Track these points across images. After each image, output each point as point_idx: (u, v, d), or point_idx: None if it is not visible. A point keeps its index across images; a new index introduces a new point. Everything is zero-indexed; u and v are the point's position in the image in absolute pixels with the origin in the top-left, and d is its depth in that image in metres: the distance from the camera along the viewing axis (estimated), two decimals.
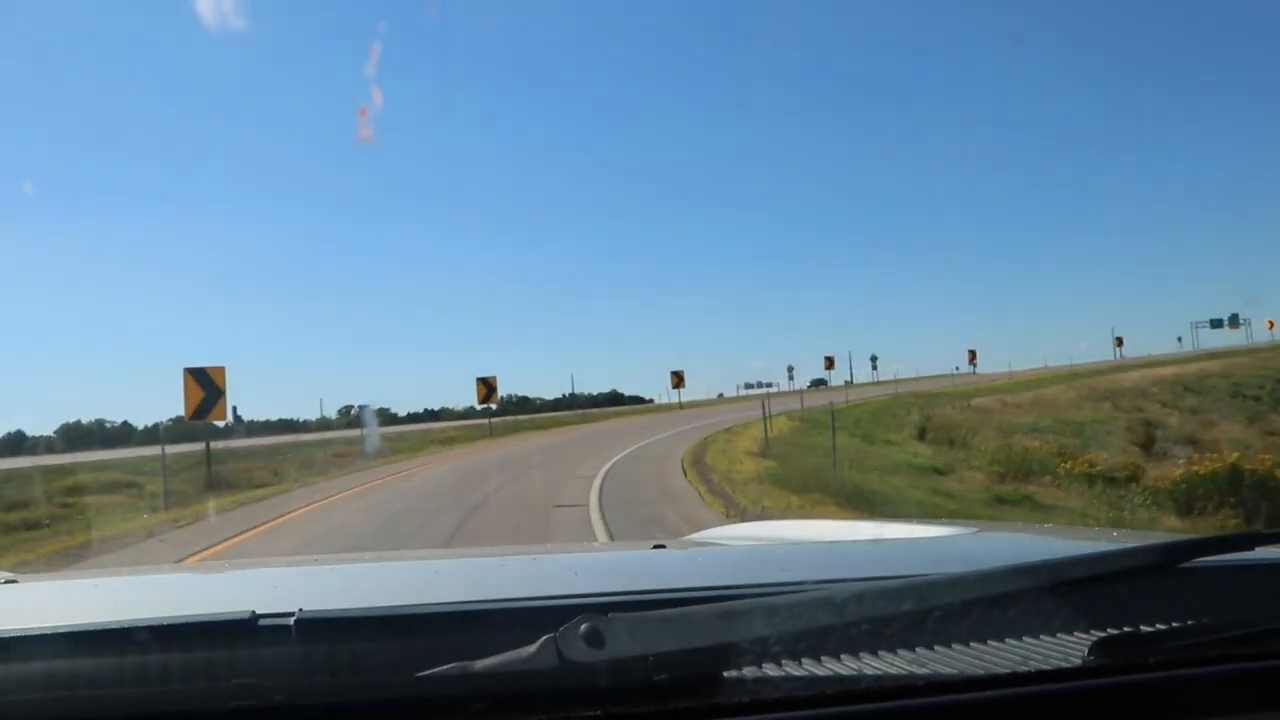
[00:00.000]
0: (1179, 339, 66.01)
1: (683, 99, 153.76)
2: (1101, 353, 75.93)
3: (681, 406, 46.97)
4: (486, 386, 36.10)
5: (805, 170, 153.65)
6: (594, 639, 0.76)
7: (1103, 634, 0.97)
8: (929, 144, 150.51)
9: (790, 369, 66.17)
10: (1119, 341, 65.45)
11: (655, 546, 1.71)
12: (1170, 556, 0.89)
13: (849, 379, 62.84)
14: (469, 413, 45.36)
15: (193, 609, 1.02)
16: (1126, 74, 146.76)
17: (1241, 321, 67.04)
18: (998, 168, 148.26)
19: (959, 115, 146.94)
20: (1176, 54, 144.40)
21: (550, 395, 77.37)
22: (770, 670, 0.88)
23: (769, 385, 66.40)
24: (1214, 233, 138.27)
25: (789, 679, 0.86)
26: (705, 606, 0.81)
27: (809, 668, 0.90)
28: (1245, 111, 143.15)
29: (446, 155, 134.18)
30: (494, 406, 36.65)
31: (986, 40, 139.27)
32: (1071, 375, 43.08)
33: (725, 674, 0.80)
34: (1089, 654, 0.85)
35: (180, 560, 9.04)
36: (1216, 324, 65.42)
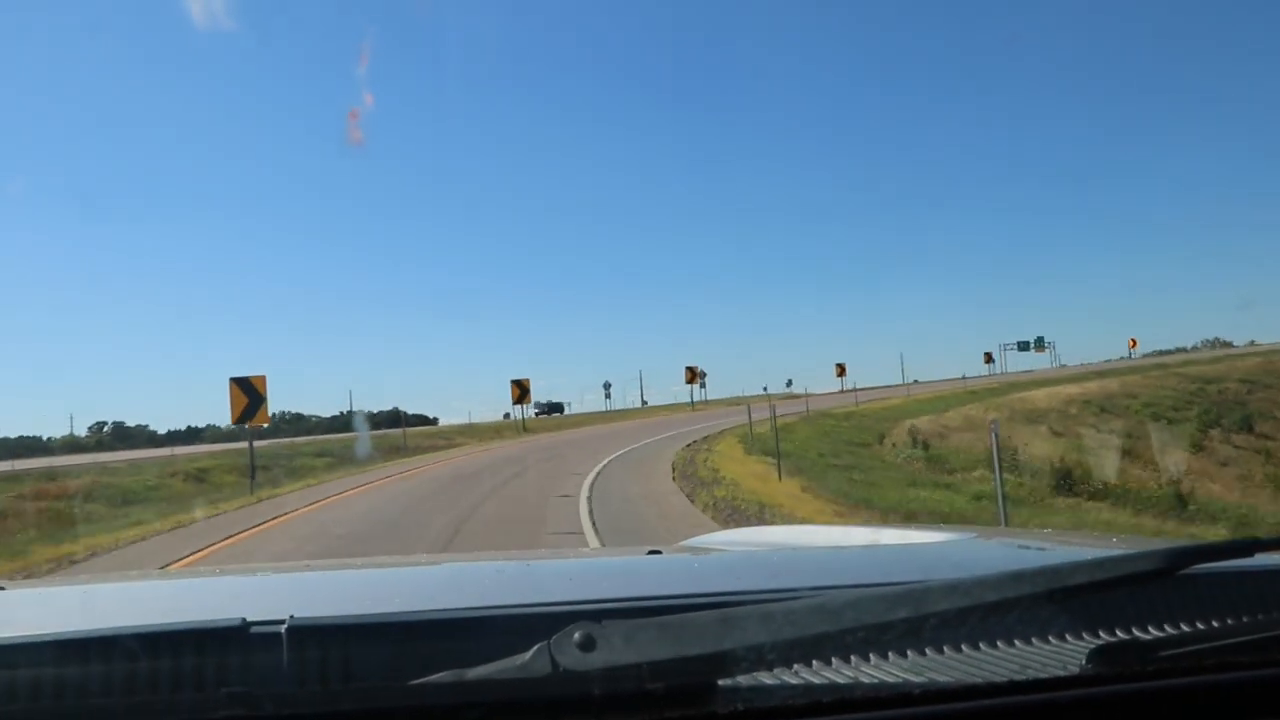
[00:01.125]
0: (989, 359, 68.46)
1: (635, 102, 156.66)
2: (939, 372, 78.01)
3: (525, 428, 41.91)
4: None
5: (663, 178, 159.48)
6: (588, 646, 0.75)
7: (1101, 641, 0.97)
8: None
9: (603, 385, 67.54)
10: (988, 358, 67.84)
11: (650, 552, 1.69)
12: (1169, 563, 0.87)
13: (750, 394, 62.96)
14: (235, 433, 36.89)
15: (183, 616, 1.00)
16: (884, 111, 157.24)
17: (1046, 344, 71.74)
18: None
19: None
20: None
21: (328, 413, 74.37)
22: (766, 678, 0.87)
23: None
24: (1017, 261, 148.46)
25: (785, 687, 0.86)
26: (700, 614, 0.80)
27: (805, 675, 0.90)
28: (1046, 150, 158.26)
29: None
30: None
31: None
32: (971, 394, 42.67)
33: (721, 682, 0.78)
34: (1087, 661, 0.84)
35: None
36: (1024, 346, 69.27)
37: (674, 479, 15.33)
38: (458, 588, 1.45)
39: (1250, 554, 0.95)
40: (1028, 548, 1.67)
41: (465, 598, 1.19)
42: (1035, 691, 0.80)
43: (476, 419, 59.60)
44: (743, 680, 0.83)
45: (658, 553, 1.70)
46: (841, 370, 60.65)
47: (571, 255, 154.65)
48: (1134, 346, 67.68)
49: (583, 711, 0.74)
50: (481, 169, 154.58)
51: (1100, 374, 49.80)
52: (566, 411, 69.59)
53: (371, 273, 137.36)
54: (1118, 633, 1.03)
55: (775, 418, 16.50)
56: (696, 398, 59.04)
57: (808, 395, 34.80)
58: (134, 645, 0.89)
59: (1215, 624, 1.04)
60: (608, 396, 67.88)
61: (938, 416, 32.15)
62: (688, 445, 22.67)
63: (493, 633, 0.95)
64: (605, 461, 19.32)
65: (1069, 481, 17.22)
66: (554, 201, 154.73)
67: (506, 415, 55.93)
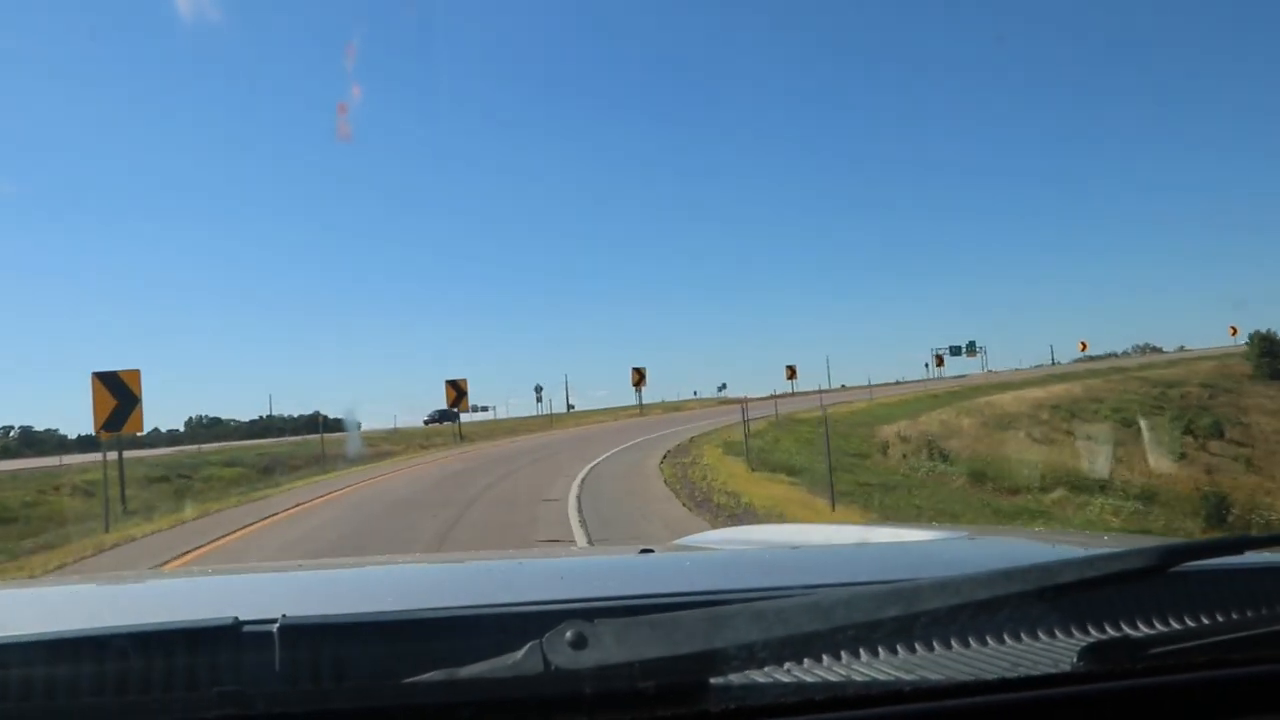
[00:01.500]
0: (926, 365, 69.19)
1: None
2: (874, 377, 78.40)
3: (461, 435, 37.10)
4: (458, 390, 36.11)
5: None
6: (580, 644, 0.75)
7: (1093, 639, 0.97)
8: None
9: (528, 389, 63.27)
10: (939, 361, 67.01)
11: (643, 551, 1.68)
12: (1160, 560, 0.87)
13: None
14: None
15: (175, 615, 1.00)
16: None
17: (978, 349, 71.88)
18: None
19: None
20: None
21: (247, 416, 73.56)
22: (758, 676, 0.87)
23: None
24: (946, 266, 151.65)
25: (776, 685, 0.86)
26: (692, 612, 0.79)
27: (797, 674, 0.90)
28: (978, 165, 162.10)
29: None
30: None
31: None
32: (934, 397, 41.37)
33: (712, 680, 0.78)
34: (1079, 659, 0.84)
35: None
36: (955, 351, 69.06)
37: (685, 504, 12.01)
38: (450, 586, 1.45)
39: (1240, 551, 0.95)
40: (1019, 546, 1.71)
41: (457, 596, 1.18)
42: (1026, 689, 0.79)
43: (402, 423, 56.33)
44: (734, 678, 0.83)
45: (650, 551, 1.69)
46: (792, 373, 58.87)
47: (501, 257, 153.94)
48: (1084, 349, 68.65)
49: (575, 710, 0.74)
50: (401, 172, 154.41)
51: (1061, 377, 49.20)
52: (494, 415, 66.15)
53: (293, 272, 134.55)
54: (1109, 630, 1.03)
55: (747, 421, 14.95)
56: (635, 401, 56.17)
57: (746, 400, 33.26)
58: (126, 644, 0.89)
59: (1206, 621, 1.04)
60: (539, 400, 64.63)
61: (913, 422, 30.33)
62: (668, 457, 19.70)
63: (485, 631, 0.95)
64: (599, 480, 15.60)
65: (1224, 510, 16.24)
66: (482, 202, 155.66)
67: (430, 420, 52.56)
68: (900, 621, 0.80)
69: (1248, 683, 0.82)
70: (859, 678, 0.88)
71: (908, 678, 0.87)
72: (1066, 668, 0.84)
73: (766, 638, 0.76)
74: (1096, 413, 35.06)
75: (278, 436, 54.60)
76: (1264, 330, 46.85)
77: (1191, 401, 39.30)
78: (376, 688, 0.84)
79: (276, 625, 0.91)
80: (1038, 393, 39.22)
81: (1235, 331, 68.54)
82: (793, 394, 54.28)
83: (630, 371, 52.14)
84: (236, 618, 0.92)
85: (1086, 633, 1.03)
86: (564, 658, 0.75)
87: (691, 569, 1.56)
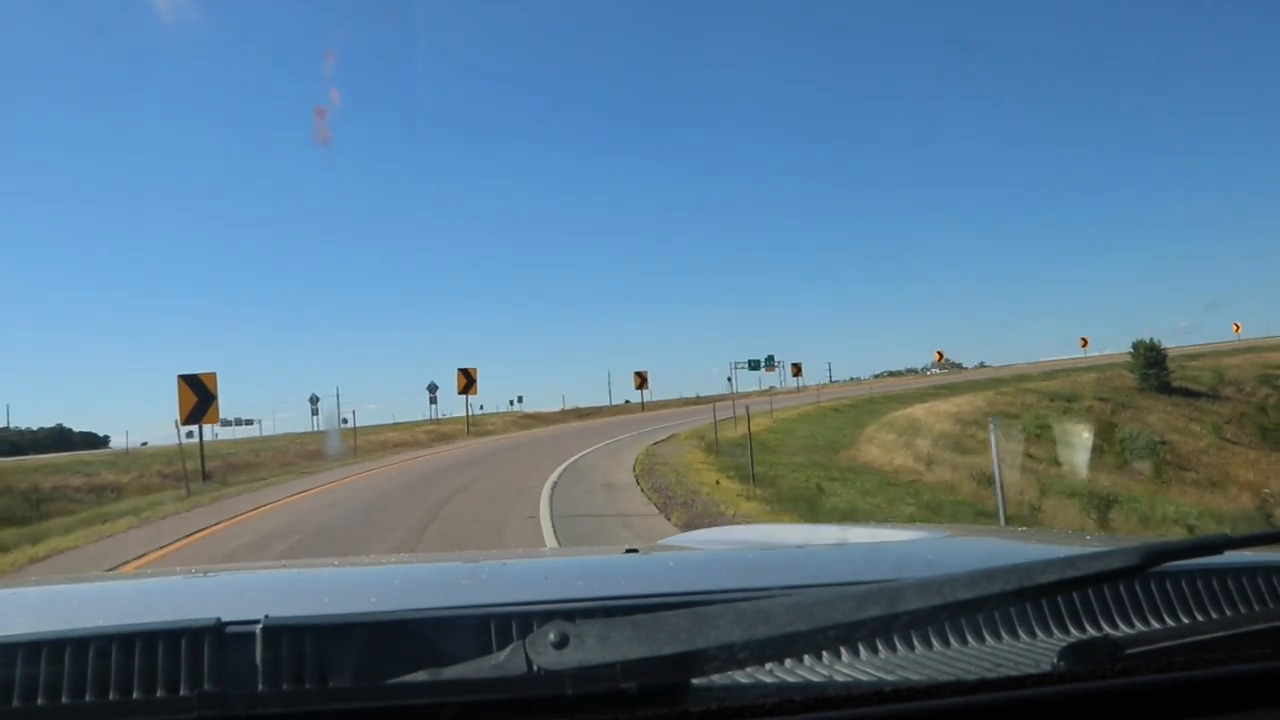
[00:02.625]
0: (729, 379, 67.37)
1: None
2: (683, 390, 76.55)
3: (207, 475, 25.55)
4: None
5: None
6: (563, 645, 0.75)
7: (1073, 638, 0.99)
8: None
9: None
10: (796, 370, 65.32)
11: (627, 551, 1.67)
12: (1140, 560, 0.86)
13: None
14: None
15: (157, 616, 0.98)
16: None
17: (775, 364, 69.36)
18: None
19: None
20: None
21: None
22: (739, 676, 0.88)
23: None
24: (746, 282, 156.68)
25: (758, 685, 0.87)
26: (674, 612, 0.78)
27: (779, 674, 0.91)
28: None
29: None
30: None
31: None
32: (836, 410, 38.66)
33: (694, 681, 0.78)
34: (1059, 659, 0.84)
35: None
36: (754, 365, 67.10)
37: None
38: (433, 587, 1.43)
39: (1220, 551, 0.93)
40: (999, 545, 1.72)
41: (441, 597, 1.17)
42: (1007, 689, 0.79)
43: (150, 440, 45.08)
44: (716, 679, 0.82)
45: (634, 551, 1.68)
46: (641, 381, 52.49)
47: (253, 257, 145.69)
48: (940, 359, 67.26)
49: (557, 710, 0.72)
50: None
51: (949, 389, 45.32)
52: (258, 431, 55.64)
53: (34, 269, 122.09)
54: (1089, 630, 1.05)
55: (749, 426, 13.19)
56: (439, 413, 49.81)
57: (609, 408, 27.84)
58: (107, 645, 0.88)
59: (1186, 621, 1.07)
60: (315, 413, 54.39)
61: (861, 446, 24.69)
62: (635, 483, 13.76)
63: (468, 631, 0.94)
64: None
65: None
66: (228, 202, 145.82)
67: (190, 435, 42.28)
68: (881, 621, 0.79)
69: (1227, 682, 0.81)
70: (841, 678, 0.90)
71: (889, 678, 0.89)
72: (1047, 668, 0.84)
73: (748, 638, 0.75)
74: (1024, 430, 31.29)
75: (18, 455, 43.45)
76: (1148, 340, 44.73)
77: (1099, 416, 36.22)
78: (360, 688, 0.84)
79: (259, 626, 0.91)
80: (945, 406, 35.32)
81: (1086, 343, 69.17)
82: (643, 407, 48.42)
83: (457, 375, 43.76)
84: (219, 618, 0.92)
85: (1067, 632, 1.05)
86: (547, 658, 0.74)
87: (675, 569, 1.55)
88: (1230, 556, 1.07)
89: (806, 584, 1.18)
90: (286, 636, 0.91)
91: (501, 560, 1.80)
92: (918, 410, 33.84)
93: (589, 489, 13.50)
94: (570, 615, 0.92)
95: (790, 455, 20.39)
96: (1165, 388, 43.38)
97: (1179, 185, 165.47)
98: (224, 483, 20.16)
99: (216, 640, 0.90)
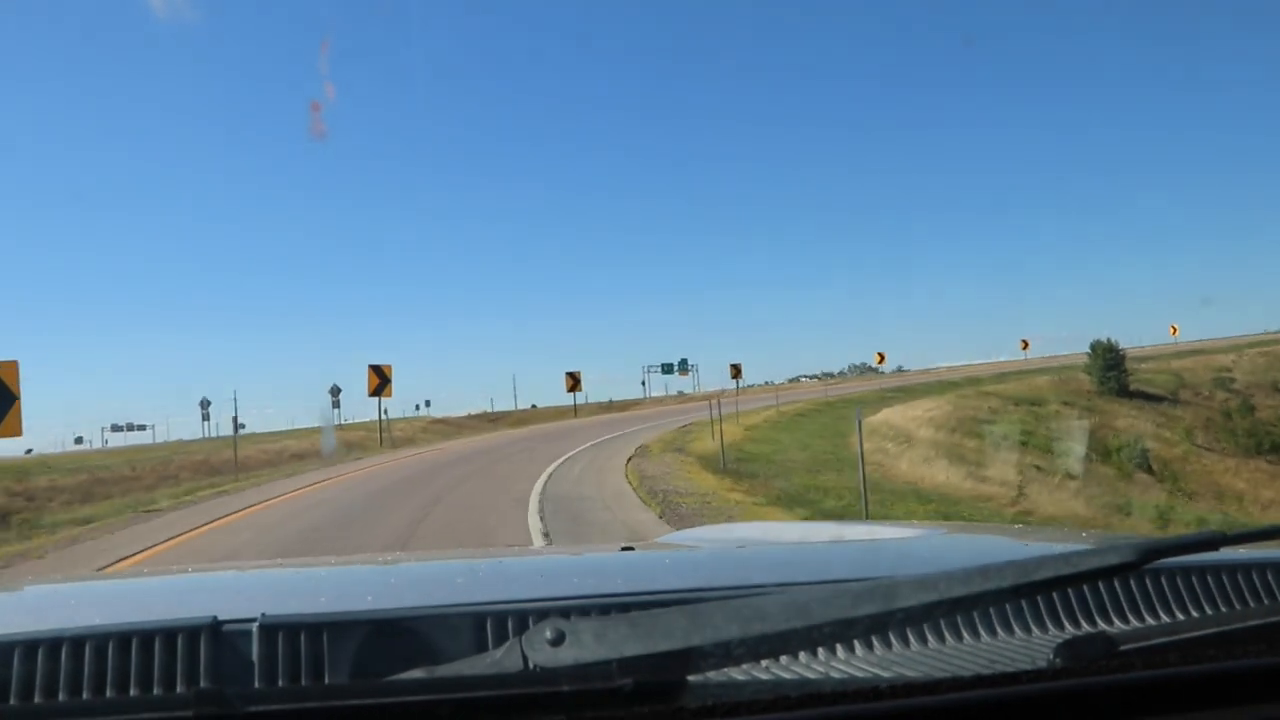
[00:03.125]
0: (642, 382, 68.46)
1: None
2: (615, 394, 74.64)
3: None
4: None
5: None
6: (559, 642, 0.75)
7: (1069, 635, 0.99)
8: None
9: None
10: (735, 371, 61.65)
11: (623, 549, 1.67)
12: (1136, 557, 0.86)
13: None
14: None
15: (154, 614, 0.97)
16: None
17: (690, 368, 69.73)
18: None
19: None
20: None
21: None
22: (735, 673, 0.88)
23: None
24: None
25: (753, 682, 0.87)
26: (670, 609, 0.78)
27: (775, 671, 0.91)
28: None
29: None
30: None
31: None
32: (800, 415, 34.87)
33: (690, 678, 0.77)
34: (1055, 655, 0.84)
35: None
36: (667, 369, 67.17)
37: None
38: (430, 584, 1.42)
39: (1215, 548, 0.92)
40: (995, 542, 1.71)
41: (437, 594, 1.16)
42: (1003, 685, 0.79)
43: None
44: (712, 676, 0.82)
45: (630, 549, 1.68)
46: (574, 383, 48.77)
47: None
48: (881, 361, 65.79)
49: (554, 707, 0.72)
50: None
51: (905, 391, 42.92)
52: (152, 437, 50.26)
53: None
54: (1085, 626, 1.05)
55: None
56: (343, 418, 45.41)
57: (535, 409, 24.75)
58: (104, 643, 0.88)
59: (1181, 617, 1.07)
60: (205, 418, 49.44)
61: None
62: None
63: (465, 629, 0.94)
64: None
65: None
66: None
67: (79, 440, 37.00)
68: (877, 618, 0.79)
69: (1221, 678, 0.81)
70: (836, 674, 0.91)
71: (885, 674, 0.90)
72: (1043, 664, 0.84)
73: (744, 635, 0.75)
74: (1007, 436, 28.95)
75: None
76: (1105, 340, 43.31)
77: (1067, 421, 34.18)
78: (356, 685, 0.84)
79: (256, 623, 0.91)
80: (915, 411, 33.16)
81: (1026, 345, 68.45)
82: (576, 412, 44.59)
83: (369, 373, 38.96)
84: (215, 616, 0.92)
85: (1063, 629, 1.05)
86: (543, 655, 0.74)
87: (671, 567, 1.54)
88: (1225, 553, 1.08)
89: (802, 581, 1.19)
90: (283, 634, 0.91)
91: (498, 558, 1.82)
92: (892, 416, 31.11)
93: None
94: (566, 613, 0.94)
95: (811, 474, 16.90)
96: (1124, 391, 42.00)
97: (1112, 189, 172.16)
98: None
99: (213, 638, 0.90)
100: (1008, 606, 1.04)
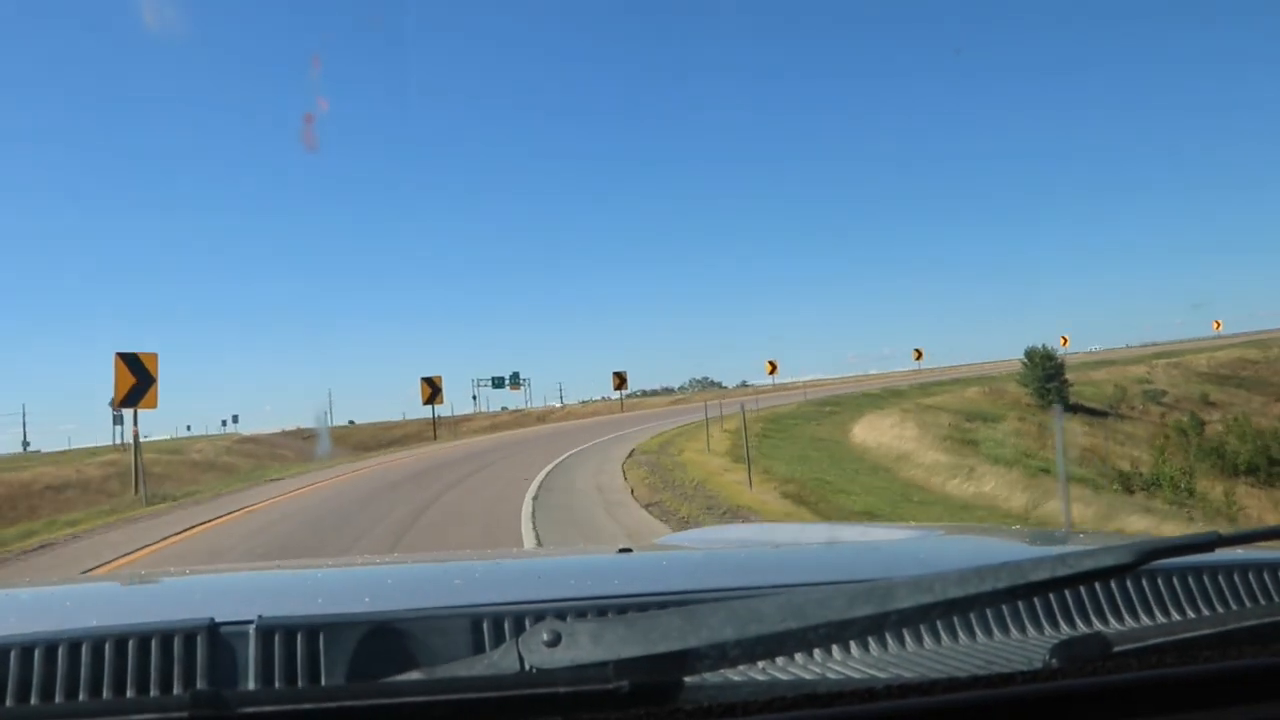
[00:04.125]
0: (474, 396, 67.17)
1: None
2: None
3: None
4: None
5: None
6: (556, 643, 0.74)
7: (1065, 636, 1.00)
8: None
9: None
10: (619, 381, 56.74)
11: (621, 550, 1.65)
12: (1132, 558, 0.86)
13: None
14: None
15: (150, 617, 0.95)
16: None
17: (522, 382, 67.86)
18: None
19: None
20: None
21: None
22: (732, 674, 0.88)
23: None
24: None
25: (750, 683, 0.86)
26: (667, 611, 0.78)
27: (771, 672, 0.92)
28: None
29: None
30: None
31: None
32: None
33: (687, 679, 0.76)
34: (1051, 656, 0.83)
35: None
36: (499, 383, 65.08)
37: None
38: (427, 587, 1.41)
39: (1211, 549, 0.92)
40: (992, 543, 1.74)
41: (435, 596, 1.15)
42: (998, 686, 0.78)
43: None
44: (709, 677, 0.82)
45: (628, 551, 1.66)
46: (433, 393, 41.01)
47: None
48: (773, 371, 61.39)
49: (550, 709, 0.71)
50: None
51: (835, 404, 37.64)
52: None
53: None
54: (1081, 627, 1.05)
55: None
56: (122, 437, 37.24)
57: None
58: (101, 645, 0.87)
59: (1178, 618, 1.08)
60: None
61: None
62: None
63: (462, 631, 0.94)
64: None
65: None
66: None
67: None
68: (873, 619, 0.78)
69: (1217, 679, 0.80)
70: (833, 675, 0.91)
71: (881, 675, 0.90)
72: (1039, 665, 0.83)
73: (740, 636, 0.74)
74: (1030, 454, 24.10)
75: None
76: (1041, 347, 39.63)
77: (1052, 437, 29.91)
78: (352, 687, 0.83)
79: (253, 625, 0.90)
80: (889, 421, 27.79)
81: (920, 355, 65.39)
82: (435, 429, 36.90)
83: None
84: (213, 618, 0.91)
85: (1059, 630, 1.05)
86: (540, 657, 0.74)
87: (668, 568, 1.55)
88: (1222, 554, 1.07)
89: (799, 583, 1.18)
90: (280, 636, 0.90)
91: (495, 560, 1.85)
92: (868, 436, 25.55)
93: None
94: (563, 614, 0.94)
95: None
96: (1065, 405, 38.31)
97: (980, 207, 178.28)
98: None
99: (210, 640, 0.89)
100: (1004, 607, 1.05)
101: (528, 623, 0.91)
